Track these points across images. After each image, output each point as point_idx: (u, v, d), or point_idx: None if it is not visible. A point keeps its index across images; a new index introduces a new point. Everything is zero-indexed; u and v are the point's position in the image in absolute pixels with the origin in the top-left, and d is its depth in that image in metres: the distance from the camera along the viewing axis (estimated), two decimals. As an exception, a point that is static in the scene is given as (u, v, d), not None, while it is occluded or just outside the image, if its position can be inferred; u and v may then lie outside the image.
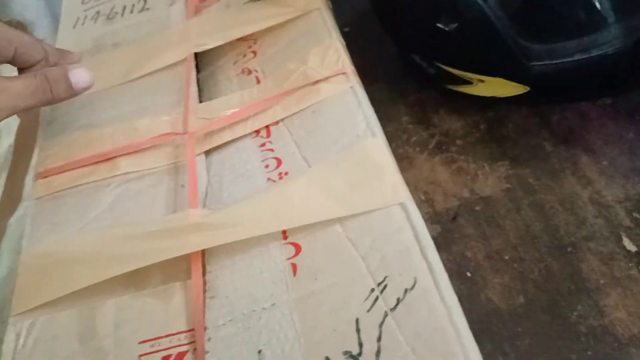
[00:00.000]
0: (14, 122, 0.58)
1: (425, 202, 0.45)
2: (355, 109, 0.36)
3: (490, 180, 0.45)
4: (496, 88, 0.46)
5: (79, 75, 0.38)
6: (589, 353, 0.35)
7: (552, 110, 0.47)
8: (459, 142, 0.47)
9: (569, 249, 0.40)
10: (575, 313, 0.37)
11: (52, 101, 0.38)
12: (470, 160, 0.46)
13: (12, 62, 0.38)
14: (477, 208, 0.43)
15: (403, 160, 0.47)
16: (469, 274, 0.40)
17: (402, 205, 0.31)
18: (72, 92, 0.38)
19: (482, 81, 0.45)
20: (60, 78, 0.38)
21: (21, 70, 0.39)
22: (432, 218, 0.44)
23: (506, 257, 0.40)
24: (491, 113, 0.48)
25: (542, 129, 0.46)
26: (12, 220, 0.54)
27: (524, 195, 0.43)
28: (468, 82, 0.46)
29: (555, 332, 0.36)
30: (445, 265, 0.29)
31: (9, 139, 0.57)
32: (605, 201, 0.41)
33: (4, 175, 0.54)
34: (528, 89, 0.44)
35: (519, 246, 0.41)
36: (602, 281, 0.38)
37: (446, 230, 0.43)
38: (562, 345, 0.36)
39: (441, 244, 0.42)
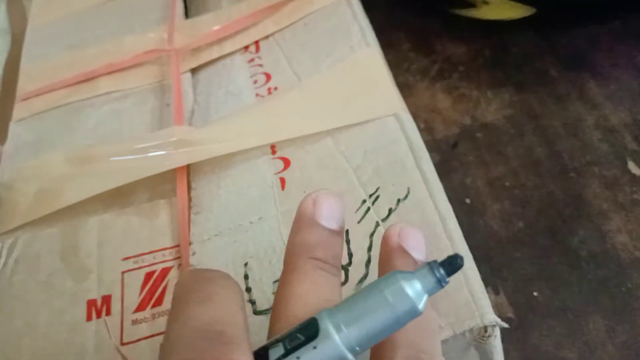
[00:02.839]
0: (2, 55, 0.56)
1: (424, 130, 0.43)
2: (349, 20, 0.34)
3: (493, 106, 0.43)
4: (501, 10, 0.43)
5: None
6: (589, 277, 0.34)
7: (558, 34, 0.45)
8: (461, 68, 0.45)
9: (572, 174, 0.38)
10: (576, 238, 0.36)
11: None
12: (473, 87, 0.44)
13: None
14: (478, 135, 0.42)
15: (403, 89, 0.44)
16: (468, 201, 0.39)
17: (397, 116, 0.29)
18: None
19: (487, 3, 0.43)
20: None
21: None
22: (431, 146, 0.42)
23: (507, 184, 0.39)
24: (495, 38, 0.46)
25: (548, 54, 0.44)
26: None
27: (527, 121, 0.41)
28: (472, 5, 0.44)
29: (556, 257, 0.35)
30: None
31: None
32: (611, 125, 0.39)
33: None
34: (534, 10, 0.42)
35: (520, 172, 0.39)
36: (605, 206, 0.36)
37: (445, 158, 0.41)
38: (562, 270, 0.35)
39: (440, 172, 0.40)
